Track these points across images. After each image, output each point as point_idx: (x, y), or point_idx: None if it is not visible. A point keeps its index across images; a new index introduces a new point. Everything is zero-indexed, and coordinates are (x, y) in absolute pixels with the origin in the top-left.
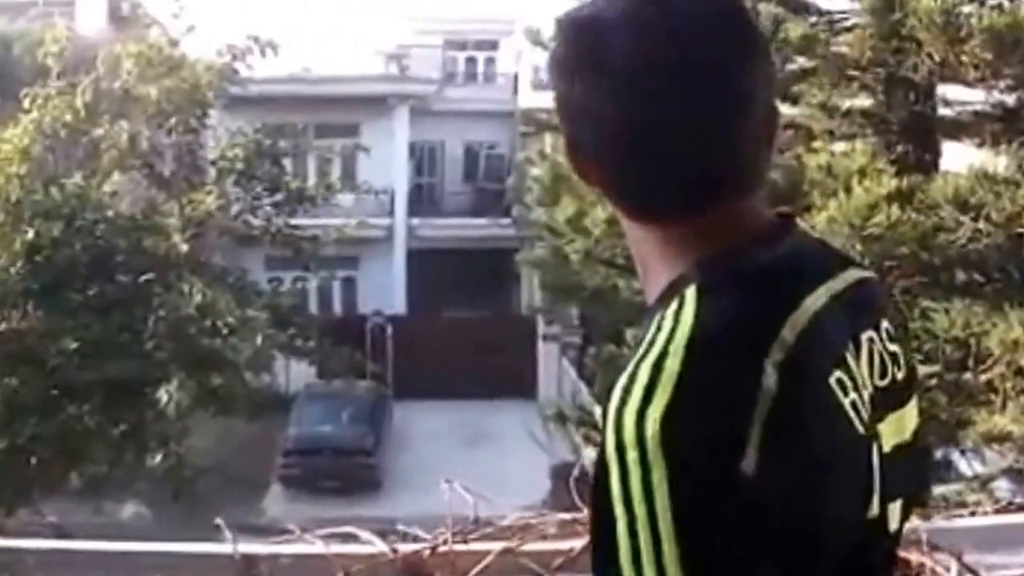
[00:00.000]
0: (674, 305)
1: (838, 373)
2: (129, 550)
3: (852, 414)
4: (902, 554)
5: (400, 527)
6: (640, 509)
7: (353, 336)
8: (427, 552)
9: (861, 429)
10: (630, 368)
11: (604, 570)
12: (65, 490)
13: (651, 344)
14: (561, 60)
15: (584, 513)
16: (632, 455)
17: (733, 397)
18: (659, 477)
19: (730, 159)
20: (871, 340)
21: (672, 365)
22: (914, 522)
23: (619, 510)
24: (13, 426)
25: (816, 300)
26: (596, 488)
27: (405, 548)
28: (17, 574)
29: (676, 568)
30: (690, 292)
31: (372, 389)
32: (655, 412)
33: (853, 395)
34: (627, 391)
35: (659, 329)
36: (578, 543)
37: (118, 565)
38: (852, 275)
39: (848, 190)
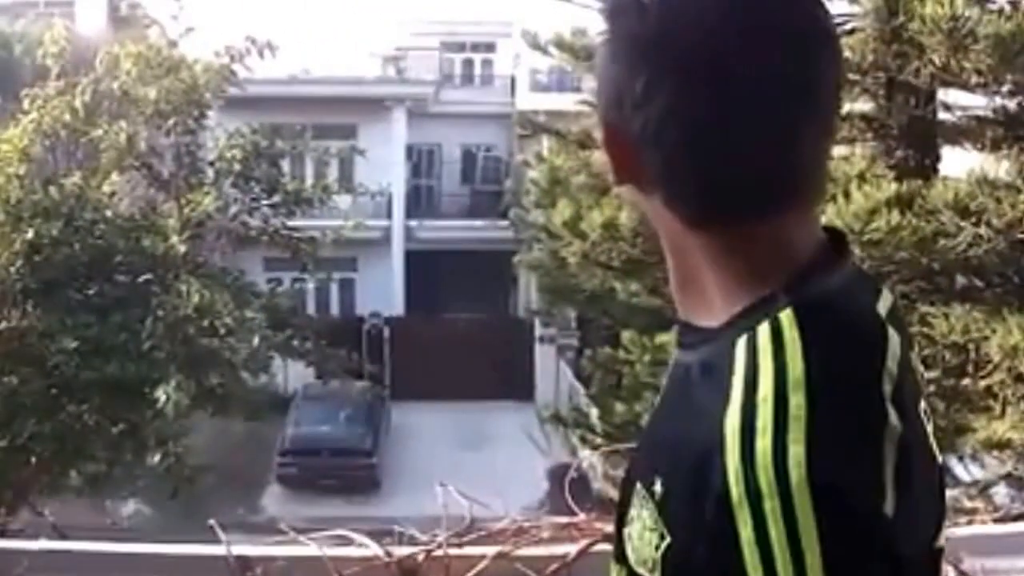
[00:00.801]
0: (766, 330)
1: (923, 402)
2: (124, 551)
3: (932, 442)
4: None
5: (396, 528)
6: (784, 566)
7: (351, 337)
8: (422, 556)
9: (938, 457)
10: (737, 403)
11: None
12: (65, 489)
13: (753, 377)
14: (636, 39)
15: (580, 517)
16: (770, 505)
17: (870, 437)
18: (808, 529)
19: (804, 164)
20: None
21: (798, 402)
22: None
23: (753, 561)
24: (13, 425)
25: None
26: (714, 523)
27: (400, 551)
28: None
29: None
30: (786, 318)
31: (369, 390)
32: (796, 457)
33: (929, 423)
34: (749, 430)
35: (754, 358)
36: (573, 548)
37: (113, 566)
38: (887, 293)
39: (847, 194)
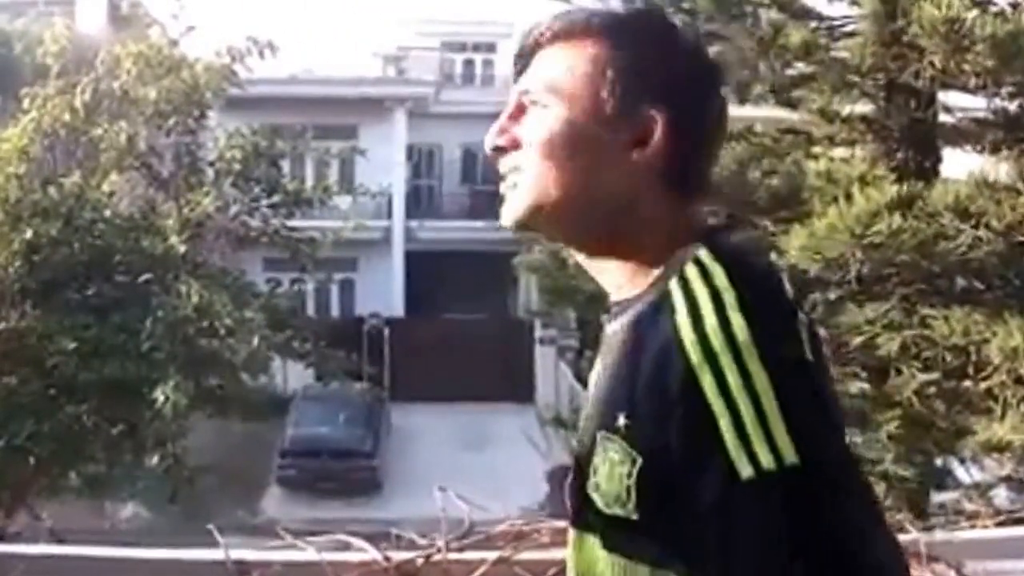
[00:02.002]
0: (691, 267)
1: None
2: (121, 556)
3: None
4: None
5: (395, 531)
6: (746, 407)
7: (351, 338)
8: (420, 561)
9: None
10: (683, 312)
11: (705, 462)
12: (64, 490)
13: (691, 296)
14: (679, 46)
15: None
16: (725, 359)
17: (791, 317)
18: (758, 373)
19: None
20: None
21: (731, 300)
22: (914, 534)
23: (719, 407)
24: (11, 426)
25: None
26: (679, 402)
27: (398, 556)
28: None
29: (785, 438)
30: (704, 255)
31: (369, 391)
32: (739, 324)
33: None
34: (697, 319)
35: (687, 284)
36: None
37: (111, 571)
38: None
39: (848, 197)
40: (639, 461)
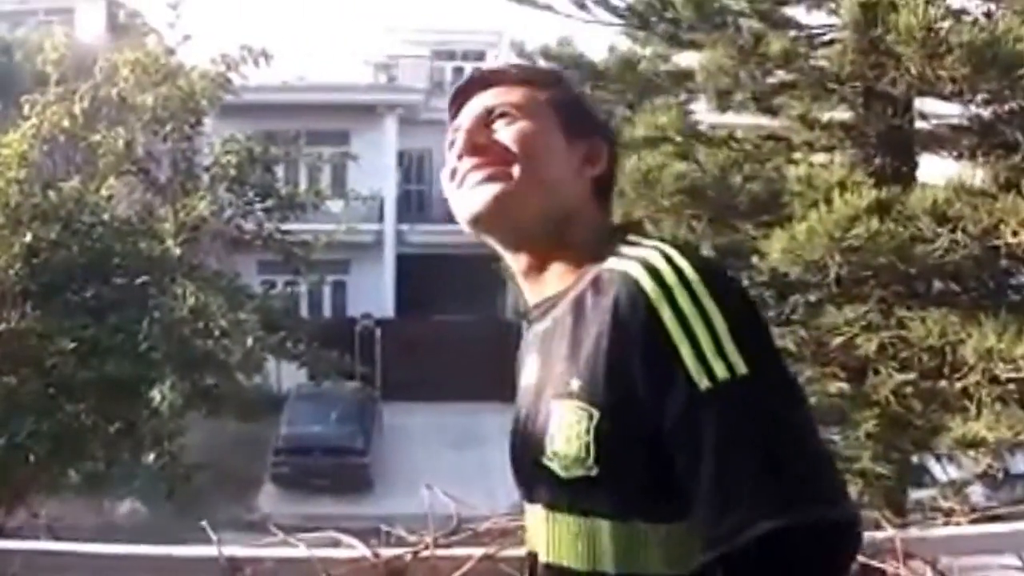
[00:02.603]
0: (653, 253)
1: None
2: (115, 552)
3: None
4: (877, 563)
5: (384, 528)
6: (701, 329)
7: (343, 339)
8: (409, 557)
9: None
10: (634, 263)
11: (669, 383)
12: (63, 487)
13: (639, 250)
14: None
15: None
16: (678, 291)
17: (734, 275)
18: (707, 299)
19: None
20: None
21: (676, 254)
22: (889, 531)
23: (678, 334)
24: (11, 424)
25: None
26: (641, 337)
27: (387, 553)
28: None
29: (736, 353)
30: (635, 239)
31: (360, 390)
32: (689, 267)
33: None
34: (651, 266)
35: (640, 248)
36: None
37: (105, 567)
38: None
39: (828, 201)
40: (595, 415)
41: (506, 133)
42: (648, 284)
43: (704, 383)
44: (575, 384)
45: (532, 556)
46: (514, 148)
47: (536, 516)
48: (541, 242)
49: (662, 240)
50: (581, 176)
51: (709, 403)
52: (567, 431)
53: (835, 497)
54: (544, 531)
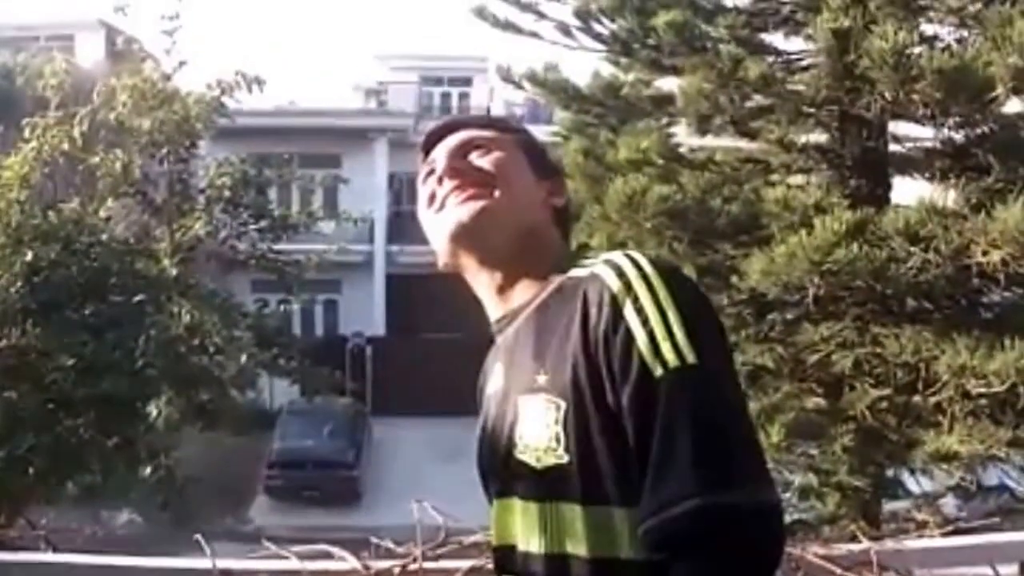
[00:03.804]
0: (620, 257)
1: None
2: (112, 564)
3: None
4: (853, 575)
5: (374, 540)
6: (653, 315)
7: (334, 356)
8: (398, 570)
9: None
10: (601, 266)
11: (627, 372)
12: (61, 499)
13: (605, 259)
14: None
15: None
16: (638, 283)
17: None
18: (664, 292)
19: None
20: None
21: (640, 257)
22: (865, 543)
23: (636, 326)
24: (11, 438)
25: None
26: (604, 332)
27: (377, 565)
28: None
29: (687, 343)
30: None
31: (352, 406)
32: (650, 268)
33: None
34: (617, 267)
35: (617, 268)
36: None
37: None
38: None
39: (805, 224)
40: (563, 405)
41: (483, 160)
42: (613, 281)
43: (658, 370)
44: (541, 379)
45: (501, 550)
46: (492, 171)
47: (508, 508)
48: (515, 259)
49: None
50: (547, 205)
51: (659, 388)
52: (537, 423)
53: (760, 481)
54: (520, 522)
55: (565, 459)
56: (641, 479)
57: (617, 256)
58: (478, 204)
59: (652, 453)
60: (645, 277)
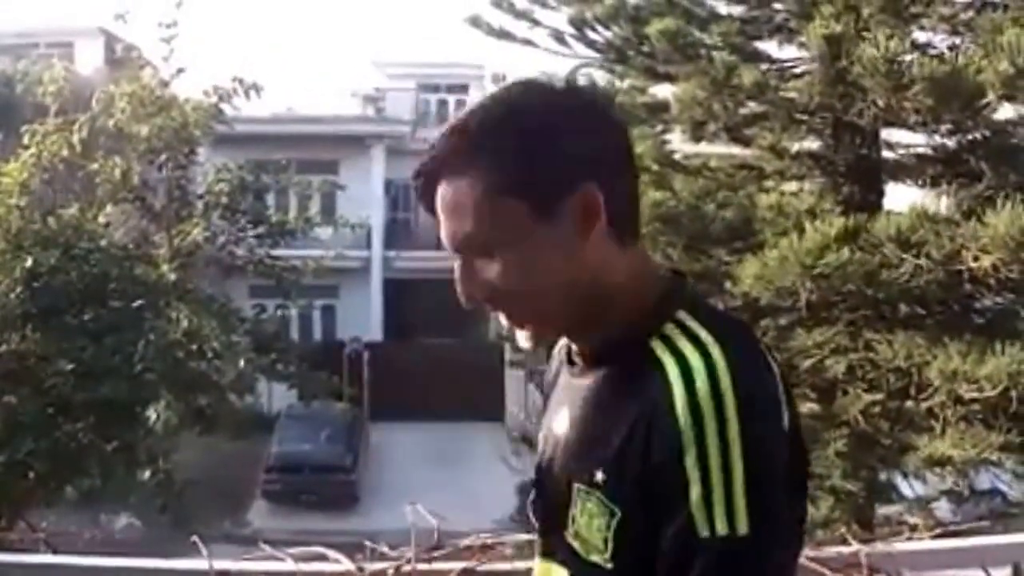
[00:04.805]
0: (672, 328)
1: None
2: (111, 565)
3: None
4: None
5: (368, 543)
6: (716, 471)
7: (332, 361)
8: (391, 571)
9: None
10: (670, 360)
11: (673, 518)
12: (61, 503)
13: (681, 358)
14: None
15: None
16: (711, 429)
17: (772, 375)
18: (735, 444)
19: None
20: None
21: (720, 361)
22: (855, 546)
23: (694, 476)
24: (12, 442)
25: None
26: (660, 464)
27: (371, 567)
28: None
29: (743, 511)
30: (683, 315)
31: (349, 411)
32: (727, 391)
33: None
34: (688, 376)
35: (674, 346)
36: (535, 564)
37: None
38: None
39: (798, 229)
40: (617, 514)
41: (487, 273)
42: (683, 412)
43: (704, 531)
44: (600, 476)
45: None
46: (503, 290)
47: (548, 572)
48: (589, 321)
49: (715, 327)
50: (582, 246)
51: (701, 552)
52: (588, 519)
53: None
54: None
55: (609, 565)
56: None
57: (697, 365)
58: (523, 336)
59: None
60: (721, 415)
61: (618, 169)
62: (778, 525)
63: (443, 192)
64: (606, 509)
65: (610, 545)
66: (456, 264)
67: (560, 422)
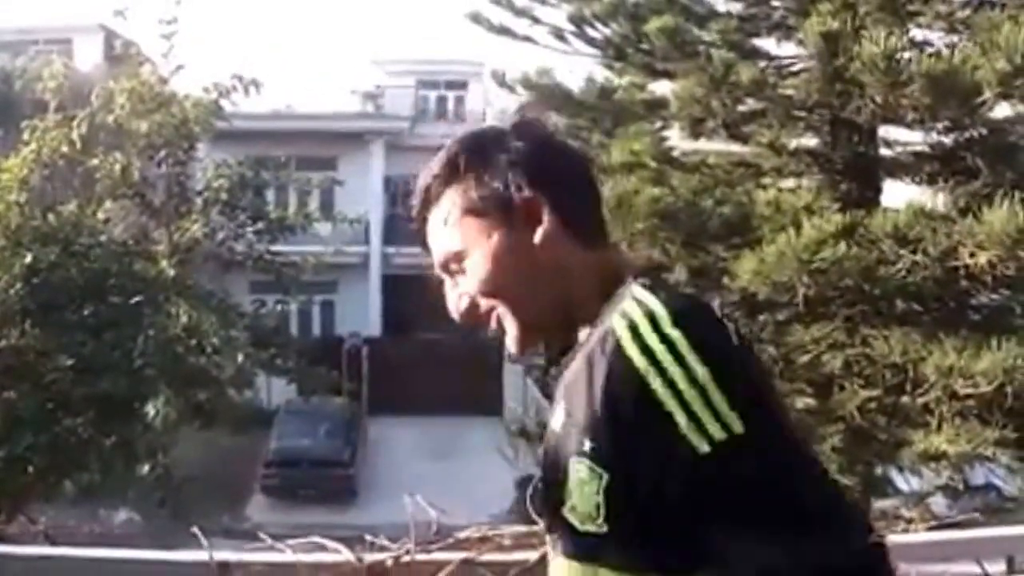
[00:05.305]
0: (629, 303)
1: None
2: (111, 557)
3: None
4: None
5: (367, 536)
6: (689, 391)
7: (331, 356)
8: (390, 561)
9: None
10: (622, 325)
11: (670, 452)
12: (61, 498)
13: (631, 322)
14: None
15: (539, 526)
16: (667, 360)
17: (720, 319)
18: (696, 364)
19: None
20: None
21: (662, 312)
22: None
23: (672, 403)
24: (12, 437)
25: None
26: (634, 409)
27: (370, 557)
28: None
29: (730, 413)
30: (640, 292)
31: (347, 406)
32: (674, 334)
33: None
34: (636, 332)
35: (626, 315)
36: (533, 555)
37: (101, 571)
38: None
39: (796, 225)
40: (605, 477)
41: (464, 284)
42: (635, 354)
43: (704, 447)
44: (587, 445)
45: None
46: (483, 293)
47: (560, 567)
48: (563, 321)
49: (644, 285)
50: (532, 246)
51: (711, 467)
52: (581, 488)
53: (840, 523)
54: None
55: (604, 529)
56: (684, 549)
57: (635, 312)
58: (509, 338)
59: (724, 537)
60: (669, 342)
61: (566, 183)
62: (770, 410)
63: (429, 224)
64: (595, 474)
65: (602, 509)
66: (446, 286)
67: (556, 417)
